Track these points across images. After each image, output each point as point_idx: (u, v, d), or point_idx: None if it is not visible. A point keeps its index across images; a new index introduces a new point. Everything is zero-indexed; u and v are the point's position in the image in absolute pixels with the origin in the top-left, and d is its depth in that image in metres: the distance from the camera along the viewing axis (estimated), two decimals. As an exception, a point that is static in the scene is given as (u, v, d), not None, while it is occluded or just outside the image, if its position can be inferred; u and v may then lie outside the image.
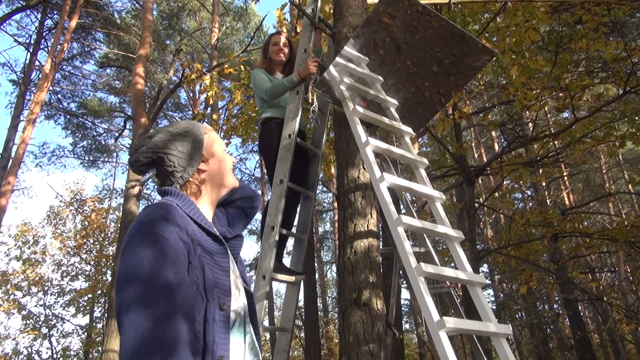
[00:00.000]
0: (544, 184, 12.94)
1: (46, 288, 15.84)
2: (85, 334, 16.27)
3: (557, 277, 9.01)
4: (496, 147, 16.45)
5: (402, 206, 3.38)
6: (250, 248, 48.59)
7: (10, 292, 15.36)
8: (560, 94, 6.07)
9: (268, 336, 14.43)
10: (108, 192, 19.64)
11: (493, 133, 16.10)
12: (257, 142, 3.72)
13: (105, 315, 13.63)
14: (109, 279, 14.95)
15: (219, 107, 13.56)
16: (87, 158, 18.46)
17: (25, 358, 15.53)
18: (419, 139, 11.49)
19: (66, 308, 15.85)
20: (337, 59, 2.67)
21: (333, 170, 7.59)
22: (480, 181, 15.87)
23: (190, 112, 17.06)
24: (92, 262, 15.97)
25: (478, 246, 9.50)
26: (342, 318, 2.52)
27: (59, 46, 11.95)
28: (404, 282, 5.18)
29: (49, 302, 15.92)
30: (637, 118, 6.12)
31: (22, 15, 14.47)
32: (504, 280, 17.01)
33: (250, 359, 1.17)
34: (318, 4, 3.44)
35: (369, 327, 2.41)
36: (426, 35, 2.69)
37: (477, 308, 1.97)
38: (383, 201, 2.12)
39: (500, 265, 11.72)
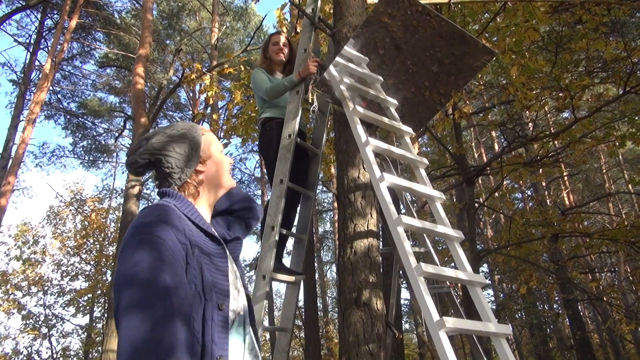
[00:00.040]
0: (544, 184, 12.95)
1: (46, 288, 15.84)
2: (85, 333, 16.26)
3: (557, 277, 9.02)
4: (496, 147, 16.46)
5: (402, 206, 3.38)
6: (250, 248, 48.63)
7: (10, 292, 15.36)
8: (560, 94, 6.07)
9: (268, 336, 14.44)
10: (108, 192, 19.65)
11: (493, 133, 16.10)
12: (257, 142, 3.72)
13: (105, 315, 13.65)
14: (109, 278, 14.97)
15: (219, 107, 13.56)
16: (87, 158, 18.48)
17: (25, 358, 15.53)
18: (419, 139, 11.49)
19: (66, 308, 15.86)
20: (337, 59, 2.67)
21: (333, 170, 7.60)
22: (480, 181, 15.88)
23: (190, 112, 17.07)
24: (92, 262, 15.97)
25: (478, 246, 9.50)
26: (342, 318, 2.52)
27: (59, 46, 11.95)
28: (404, 282, 5.18)
29: (48, 302, 15.94)
30: (637, 118, 6.12)
31: (22, 15, 14.48)
32: (504, 280, 17.02)
33: (250, 359, 1.17)
34: (318, 4, 3.43)
35: (369, 327, 2.41)
36: (426, 35, 2.69)
37: (477, 308, 1.97)
38: (383, 201, 2.12)
39: (500, 265, 11.73)
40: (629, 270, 14.60)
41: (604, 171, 17.28)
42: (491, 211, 11.81)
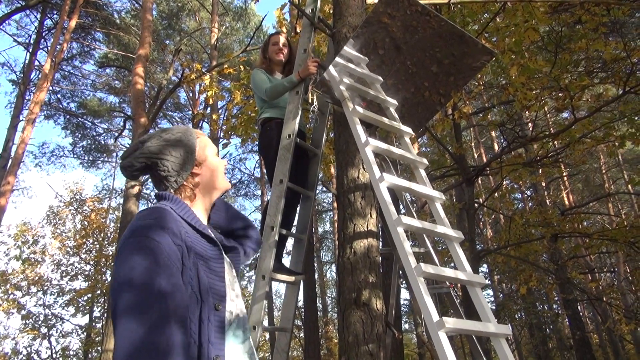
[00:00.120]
0: (543, 184, 12.95)
1: (45, 288, 15.83)
2: (85, 333, 16.25)
3: (556, 277, 9.02)
4: (496, 147, 16.47)
5: (401, 206, 3.38)
6: (249, 248, 48.48)
7: (9, 292, 15.36)
8: (559, 94, 6.07)
9: (268, 336, 14.44)
10: (108, 192, 19.63)
11: (493, 133, 16.10)
12: (257, 142, 3.72)
13: (105, 315, 13.66)
14: (109, 279, 14.95)
15: (219, 107, 13.56)
16: (86, 158, 18.47)
17: (24, 358, 15.51)
18: (419, 139, 11.49)
19: (65, 308, 15.84)
20: (337, 59, 2.67)
21: (333, 170, 7.59)
22: (480, 181, 15.88)
23: (190, 112, 17.07)
24: (91, 262, 15.96)
25: (478, 246, 9.51)
26: (342, 318, 2.52)
27: (58, 46, 11.95)
28: (404, 282, 5.18)
29: (48, 301, 15.92)
30: (636, 118, 6.12)
31: (21, 15, 14.48)
32: (504, 280, 17.02)
33: None
34: (318, 4, 3.43)
35: (369, 327, 2.41)
36: (426, 36, 2.69)
37: (477, 308, 1.97)
38: (383, 201, 2.12)
39: (499, 266, 11.72)
40: (628, 270, 14.61)
41: (604, 171, 17.29)
42: (491, 211, 11.81)
